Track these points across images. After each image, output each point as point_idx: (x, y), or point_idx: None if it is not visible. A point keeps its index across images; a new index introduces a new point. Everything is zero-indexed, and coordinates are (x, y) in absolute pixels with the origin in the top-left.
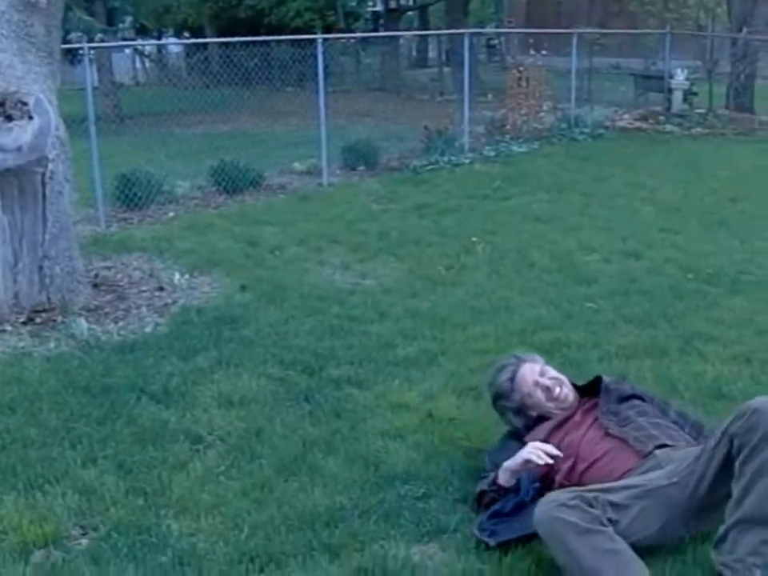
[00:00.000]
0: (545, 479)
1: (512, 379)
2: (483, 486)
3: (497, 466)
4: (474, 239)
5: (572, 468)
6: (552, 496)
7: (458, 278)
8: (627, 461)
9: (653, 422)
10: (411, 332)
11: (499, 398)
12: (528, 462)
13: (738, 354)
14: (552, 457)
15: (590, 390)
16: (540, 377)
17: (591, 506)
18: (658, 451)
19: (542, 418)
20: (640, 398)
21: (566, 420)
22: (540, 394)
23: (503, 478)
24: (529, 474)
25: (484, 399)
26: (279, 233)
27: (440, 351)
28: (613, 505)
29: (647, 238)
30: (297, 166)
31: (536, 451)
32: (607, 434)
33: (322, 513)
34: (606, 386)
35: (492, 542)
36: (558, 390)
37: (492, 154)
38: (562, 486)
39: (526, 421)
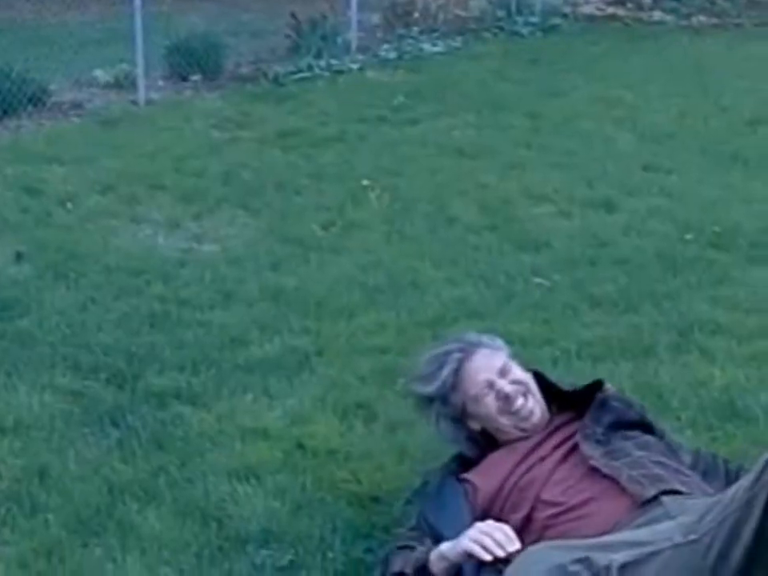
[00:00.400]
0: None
1: (456, 372)
2: (402, 564)
3: (429, 526)
4: (365, 183)
5: (528, 518)
6: (543, 552)
7: (341, 240)
8: (615, 510)
9: (656, 460)
10: (271, 322)
11: (431, 400)
12: (470, 555)
13: (760, 351)
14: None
15: (574, 402)
16: (498, 377)
17: None
18: (665, 498)
19: (489, 437)
20: (648, 428)
21: (531, 451)
22: (492, 402)
23: (437, 567)
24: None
25: (382, 421)
26: (73, 175)
27: (314, 350)
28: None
29: (625, 181)
30: (99, 74)
31: (483, 539)
32: (590, 470)
33: None
34: (603, 401)
35: None
36: (520, 401)
37: (392, 55)
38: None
39: (466, 437)
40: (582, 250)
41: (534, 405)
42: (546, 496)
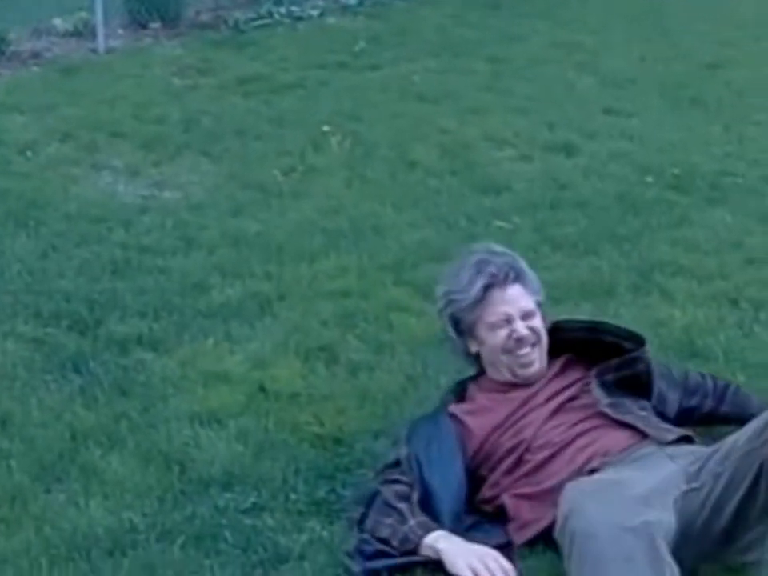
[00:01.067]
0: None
1: (486, 290)
2: (390, 533)
3: (418, 465)
4: (325, 129)
5: (519, 459)
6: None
7: (302, 186)
8: (615, 441)
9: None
10: (233, 267)
11: (451, 301)
12: None
13: (720, 292)
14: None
15: (576, 347)
16: (519, 317)
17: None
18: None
19: (480, 365)
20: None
21: (525, 402)
22: (502, 337)
23: (424, 553)
24: None
25: (344, 364)
26: (33, 124)
27: (276, 295)
28: None
29: (585, 124)
30: (58, 23)
31: (478, 569)
32: (587, 415)
33: (102, 537)
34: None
35: (358, 568)
36: (527, 349)
37: (353, 1)
38: (495, 485)
39: (463, 351)
40: (543, 193)
41: (536, 357)
42: (539, 441)
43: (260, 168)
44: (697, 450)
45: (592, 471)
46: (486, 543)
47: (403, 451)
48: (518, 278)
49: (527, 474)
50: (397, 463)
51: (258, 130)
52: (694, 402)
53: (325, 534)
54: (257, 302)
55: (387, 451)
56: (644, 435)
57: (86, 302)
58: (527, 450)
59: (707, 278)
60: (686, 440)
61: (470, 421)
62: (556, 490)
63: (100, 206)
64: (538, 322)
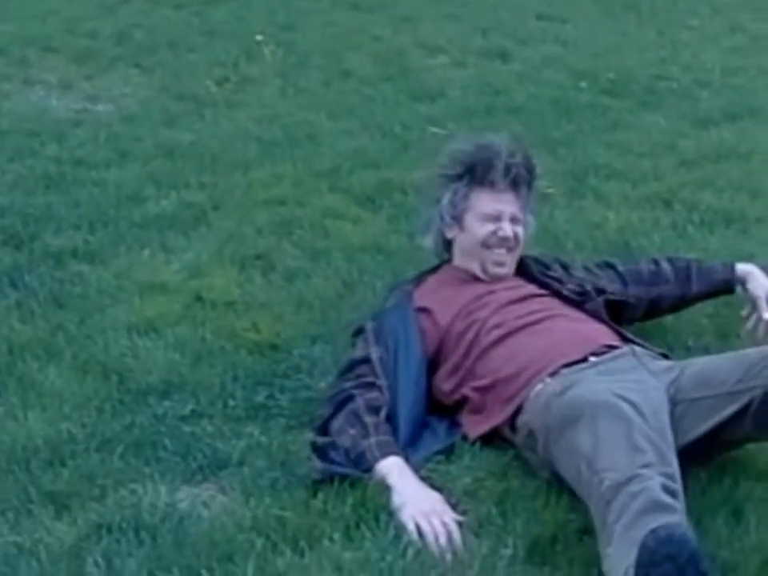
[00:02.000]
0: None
1: (486, 175)
2: (350, 443)
3: (381, 361)
4: (258, 38)
5: (476, 337)
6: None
7: (236, 96)
8: (581, 333)
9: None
10: (167, 178)
11: (450, 177)
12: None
13: (654, 194)
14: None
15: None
16: (509, 220)
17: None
18: (636, 348)
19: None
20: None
21: (486, 291)
22: (487, 231)
23: (375, 478)
24: None
25: (280, 271)
26: None
27: (211, 205)
28: None
29: (519, 30)
30: None
31: (426, 529)
32: (548, 304)
33: (41, 447)
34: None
35: (317, 474)
36: (503, 251)
37: None
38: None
39: (438, 231)
40: (477, 99)
41: (509, 261)
42: (494, 321)
43: (193, 79)
44: (674, 365)
45: (553, 374)
46: (434, 444)
47: (374, 351)
48: (522, 184)
49: (481, 357)
50: (366, 361)
51: (191, 41)
52: (657, 291)
53: (263, 439)
54: (192, 212)
55: (324, 356)
56: (614, 336)
57: (20, 216)
58: (482, 329)
59: (641, 181)
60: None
61: (435, 311)
62: (512, 380)
63: (33, 121)
64: (521, 231)
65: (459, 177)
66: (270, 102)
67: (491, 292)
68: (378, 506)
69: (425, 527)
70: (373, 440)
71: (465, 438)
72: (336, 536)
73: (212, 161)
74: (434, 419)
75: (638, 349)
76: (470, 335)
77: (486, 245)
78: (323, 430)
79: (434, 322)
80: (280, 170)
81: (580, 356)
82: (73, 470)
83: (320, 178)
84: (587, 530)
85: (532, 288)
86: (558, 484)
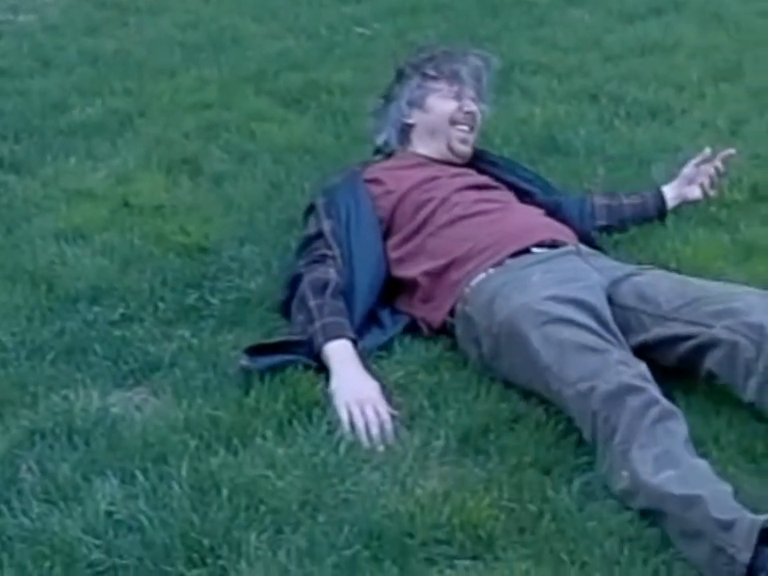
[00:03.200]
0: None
1: (455, 59)
2: (301, 326)
3: (342, 238)
4: None
5: (432, 214)
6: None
7: (159, 2)
8: (532, 232)
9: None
10: (92, 86)
11: (415, 65)
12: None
13: (580, 89)
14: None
15: None
16: (469, 96)
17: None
18: (582, 246)
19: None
20: None
21: (445, 174)
22: (452, 107)
23: (322, 359)
24: None
25: (208, 175)
26: None
27: (137, 111)
28: None
29: None
30: None
31: (358, 422)
32: (510, 194)
33: None
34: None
35: (250, 364)
36: (468, 127)
37: None
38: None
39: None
40: None
41: (471, 140)
42: (453, 200)
43: None
44: (622, 267)
45: (497, 264)
46: (381, 336)
47: (326, 224)
48: (483, 76)
49: (434, 234)
50: (319, 235)
51: None
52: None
53: (194, 341)
54: (117, 118)
55: (253, 257)
56: (564, 232)
57: None
58: (440, 207)
59: (567, 76)
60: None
61: (387, 181)
62: (460, 264)
63: None
64: (479, 113)
65: (416, 69)
66: (194, 7)
67: (449, 175)
68: (310, 402)
69: (356, 415)
70: (318, 324)
71: (414, 328)
72: (269, 433)
73: (137, 67)
74: (379, 309)
75: (584, 247)
76: (426, 210)
77: (452, 120)
78: (284, 312)
79: (387, 190)
80: (205, 75)
81: (526, 245)
82: (3, 378)
83: (246, 81)
84: (517, 419)
85: (486, 179)
86: (489, 374)
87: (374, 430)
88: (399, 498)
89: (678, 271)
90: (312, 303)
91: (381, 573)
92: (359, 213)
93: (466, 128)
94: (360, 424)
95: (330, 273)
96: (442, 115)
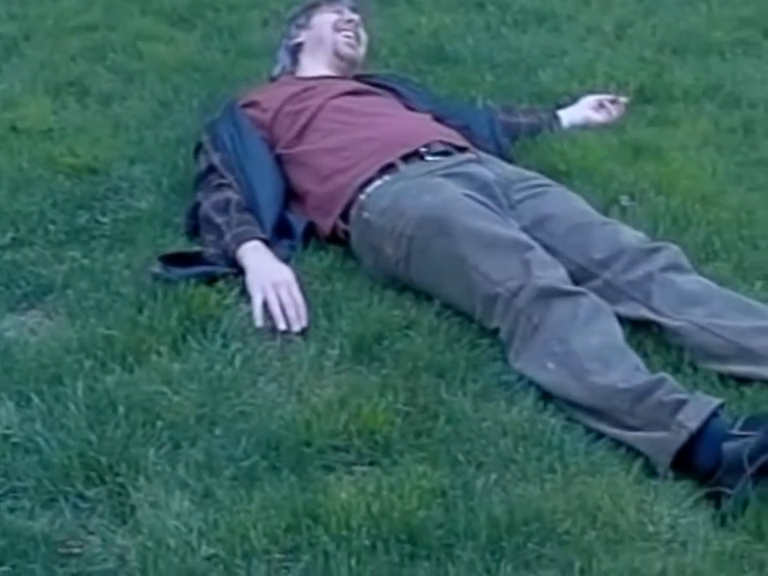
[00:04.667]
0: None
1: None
2: (211, 246)
3: (234, 163)
4: None
5: (310, 121)
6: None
7: None
8: (425, 134)
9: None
10: None
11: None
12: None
13: None
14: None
15: None
16: (349, 14)
17: None
18: (483, 154)
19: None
20: None
21: (322, 85)
22: (334, 17)
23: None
24: None
25: (95, 96)
26: None
27: (21, 35)
28: None
29: None
30: None
31: (274, 307)
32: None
33: None
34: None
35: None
36: (352, 33)
37: None
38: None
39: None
40: None
41: (358, 48)
42: (334, 104)
43: None
44: (528, 179)
45: (390, 168)
46: (295, 244)
47: (214, 157)
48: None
49: (315, 142)
50: (210, 169)
51: None
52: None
53: (86, 261)
54: (2, 43)
55: (143, 175)
56: (460, 139)
57: None
58: (315, 115)
59: None
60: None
61: (261, 100)
62: (350, 169)
63: None
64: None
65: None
66: None
67: (325, 84)
68: (204, 318)
69: (271, 299)
70: (228, 236)
71: (315, 234)
72: (163, 350)
73: None
74: (287, 218)
75: (483, 154)
76: (302, 120)
77: (336, 27)
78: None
79: (262, 109)
80: None
81: (414, 147)
82: None
83: (131, 1)
84: (411, 325)
85: (368, 87)
86: (382, 282)
87: (291, 312)
88: (296, 408)
89: (569, 173)
90: (219, 220)
91: (279, 482)
92: (242, 137)
93: (350, 33)
94: (275, 306)
95: (229, 193)
96: (326, 24)
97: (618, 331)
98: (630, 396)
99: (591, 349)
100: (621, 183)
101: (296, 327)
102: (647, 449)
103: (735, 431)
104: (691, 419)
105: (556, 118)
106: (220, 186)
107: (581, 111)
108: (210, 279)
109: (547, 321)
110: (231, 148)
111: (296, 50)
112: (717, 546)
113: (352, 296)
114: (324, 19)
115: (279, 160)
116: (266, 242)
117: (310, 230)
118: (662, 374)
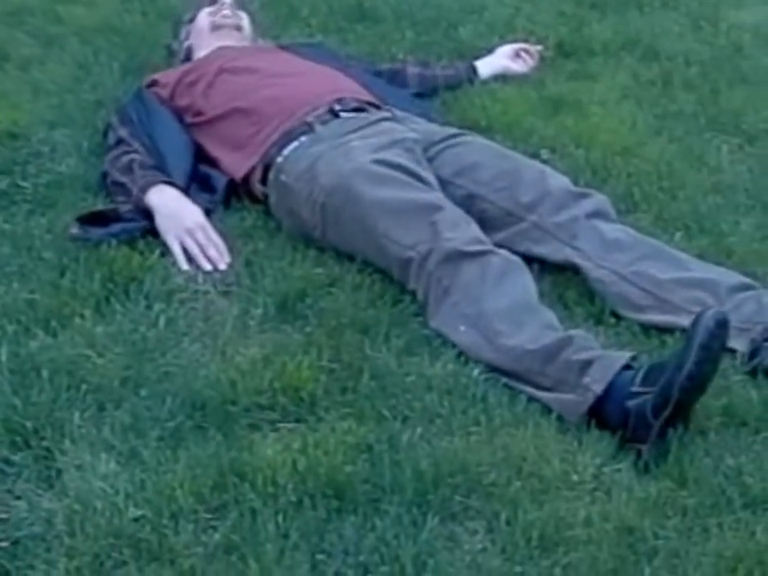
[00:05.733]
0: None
1: None
2: (123, 207)
3: (142, 134)
4: None
5: (210, 85)
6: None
7: None
8: (339, 89)
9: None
10: None
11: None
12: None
13: None
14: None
15: None
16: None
17: None
18: (397, 112)
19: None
20: None
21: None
22: (212, 7)
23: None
24: None
25: (15, 61)
26: None
27: None
28: None
29: None
30: None
31: (193, 249)
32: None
33: None
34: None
35: (81, 233)
36: (229, 12)
37: None
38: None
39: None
40: None
41: (235, 14)
42: (233, 65)
43: None
44: (437, 129)
45: (305, 130)
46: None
47: (122, 131)
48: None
49: (217, 107)
50: (118, 142)
51: None
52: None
53: (7, 226)
54: None
55: (64, 139)
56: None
57: None
58: (214, 80)
59: None
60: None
61: (160, 78)
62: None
63: None
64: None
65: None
66: None
67: (222, 51)
68: (126, 279)
69: (190, 245)
70: (135, 189)
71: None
72: (87, 313)
73: None
74: (206, 174)
75: (397, 111)
76: (200, 86)
77: (211, 15)
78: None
79: (162, 85)
80: None
81: (332, 100)
82: None
83: None
84: (333, 283)
85: (276, 49)
86: (304, 241)
87: (212, 252)
88: (220, 367)
89: (490, 128)
90: (125, 179)
91: (205, 441)
92: (149, 111)
93: (227, 12)
94: (195, 250)
95: (133, 155)
96: (203, 16)
97: (529, 288)
98: (539, 357)
99: (501, 310)
100: (541, 137)
101: (221, 265)
102: (559, 409)
103: (636, 388)
104: (597, 381)
105: (473, 69)
106: (126, 153)
107: (498, 60)
108: (131, 239)
109: (457, 283)
110: (137, 120)
111: (189, 51)
112: (640, 493)
113: (274, 255)
114: (202, 14)
115: (190, 131)
116: (175, 186)
117: (232, 188)
118: (571, 332)
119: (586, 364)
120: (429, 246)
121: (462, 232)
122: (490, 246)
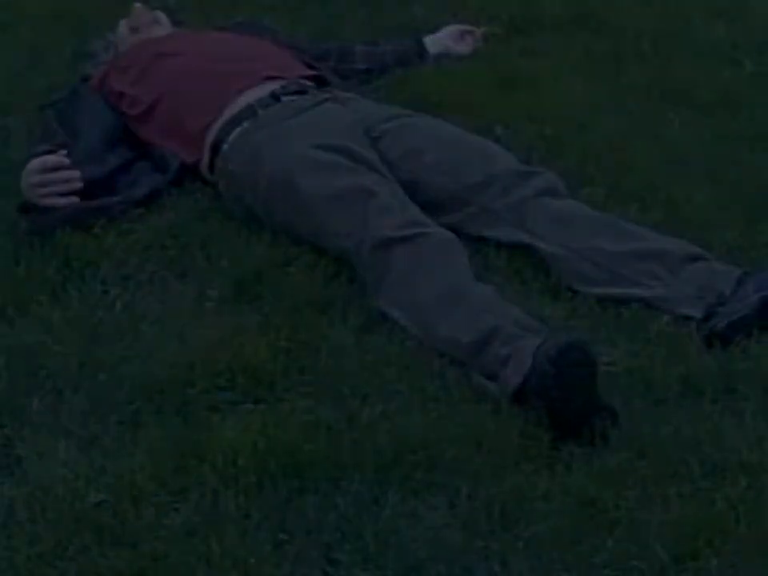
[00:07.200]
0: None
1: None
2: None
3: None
4: None
5: (146, 71)
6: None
7: None
8: (278, 69)
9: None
10: None
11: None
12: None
13: None
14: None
15: None
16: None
17: None
18: (343, 93)
19: None
20: None
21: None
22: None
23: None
24: None
25: None
26: None
27: None
28: None
29: None
30: None
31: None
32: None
33: None
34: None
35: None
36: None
37: None
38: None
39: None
40: None
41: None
42: (163, 50)
43: None
44: (381, 109)
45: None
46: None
47: (51, 122)
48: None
49: (153, 93)
50: (44, 132)
51: None
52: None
53: None
54: None
55: (16, 125)
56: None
57: None
58: (157, 56)
59: None
60: None
61: (94, 72)
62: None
63: None
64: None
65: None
66: None
67: (151, 42)
68: (82, 264)
69: (35, 182)
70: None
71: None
72: (43, 299)
73: None
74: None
75: (340, 92)
76: (131, 75)
77: (127, 21)
78: None
79: (96, 79)
80: None
81: (275, 80)
82: None
83: None
84: (289, 263)
85: (213, 32)
86: (258, 222)
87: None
88: (178, 350)
89: (442, 105)
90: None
91: (164, 425)
92: (78, 99)
93: (139, 11)
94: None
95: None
96: (122, 24)
97: (463, 270)
98: (469, 348)
99: (433, 299)
100: (494, 113)
101: (77, 184)
102: (493, 395)
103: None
104: (515, 374)
105: (422, 44)
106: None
107: (442, 41)
108: (83, 223)
109: (390, 270)
110: (64, 107)
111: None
112: (600, 465)
113: (229, 236)
114: (120, 25)
115: (132, 125)
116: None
117: (185, 169)
118: (499, 322)
119: (506, 359)
120: (360, 235)
121: (395, 216)
122: (422, 228)
